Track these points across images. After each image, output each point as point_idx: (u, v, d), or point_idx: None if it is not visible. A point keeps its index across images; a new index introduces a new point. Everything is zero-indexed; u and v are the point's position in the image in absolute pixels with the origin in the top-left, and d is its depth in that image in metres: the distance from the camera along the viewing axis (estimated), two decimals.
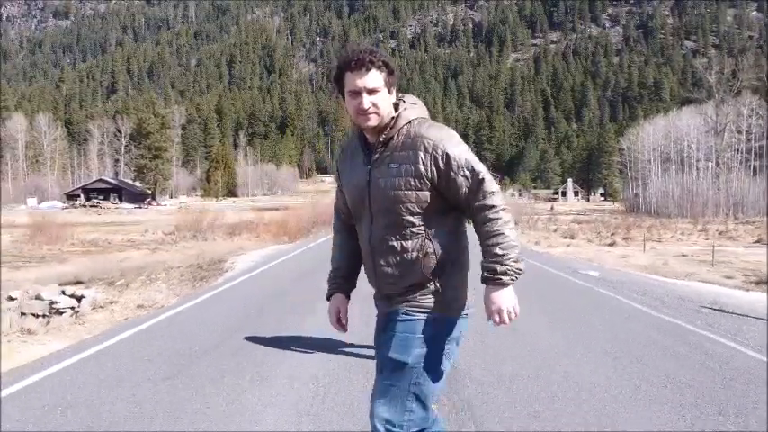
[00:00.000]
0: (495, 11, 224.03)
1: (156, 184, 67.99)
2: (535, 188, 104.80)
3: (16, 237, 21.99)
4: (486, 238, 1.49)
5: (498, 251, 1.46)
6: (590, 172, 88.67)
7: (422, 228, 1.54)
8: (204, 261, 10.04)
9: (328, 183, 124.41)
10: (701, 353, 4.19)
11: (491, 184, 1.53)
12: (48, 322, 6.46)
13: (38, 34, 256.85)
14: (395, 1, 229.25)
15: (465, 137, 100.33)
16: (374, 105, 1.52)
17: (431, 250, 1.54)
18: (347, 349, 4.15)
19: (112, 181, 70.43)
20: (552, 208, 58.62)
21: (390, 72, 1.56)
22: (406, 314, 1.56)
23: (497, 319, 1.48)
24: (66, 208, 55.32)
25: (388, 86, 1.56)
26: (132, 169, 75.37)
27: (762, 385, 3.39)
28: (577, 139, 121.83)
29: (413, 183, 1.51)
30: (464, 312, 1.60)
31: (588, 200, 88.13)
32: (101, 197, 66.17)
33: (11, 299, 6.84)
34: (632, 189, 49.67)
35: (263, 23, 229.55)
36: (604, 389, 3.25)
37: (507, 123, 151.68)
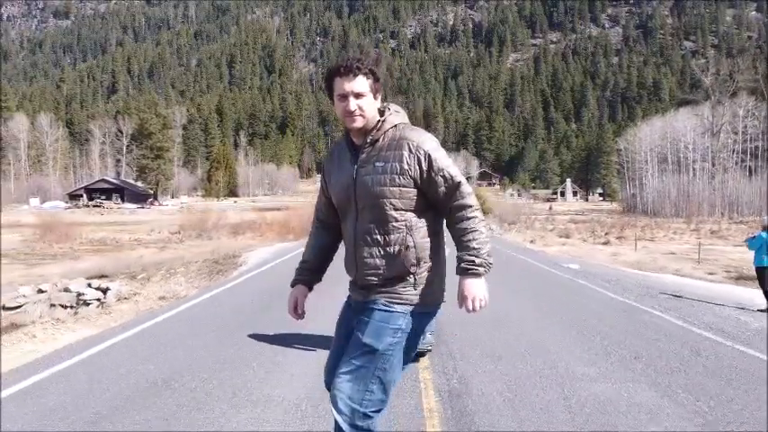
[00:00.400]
0: (495, 11, 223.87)
1: (157, 185, 68.50)
2: (534, 188, 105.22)
3: (26, 236, 22.53)
4: (462, 234, 1.66)
5: (475, 245, 1.63)
6: (589, 172, 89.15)
7: (404, 223, 1.68)
8: (219, 256, 10.60)
9: None
10: (641, 324, 5.53)
11: (467, 186, 1.72)
12: (75, 312, 7.01)
13: (38, 34, 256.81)
14: (395, 1, 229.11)
15: (465, 137, 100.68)
16: (360, 108, 1.69)
17: (411, 244, 1.67)
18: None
19: (114, 181, 70.87)
20: (551, 208, 59.10)
21: (376, 79, 1.74)
22: (385, 305, 1.68)
23: (470, 306, 1.63)
24: (70, 208, 55.77)
25: (374, 92, 1.73)
26: (134, 169, 75.83)
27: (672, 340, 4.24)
28: (576, 140, 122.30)
29: (397, 180, 1.66)
30: (436, 308, 1.74)
31: (587, 200, 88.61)
32: (103, 197, 66.61)
33: (40, 291, 7.38)
34: (629, 189, 50.20)
35: (263, 23, 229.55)
36: (568, 350, 4.45)
37: (507, 123, 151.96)
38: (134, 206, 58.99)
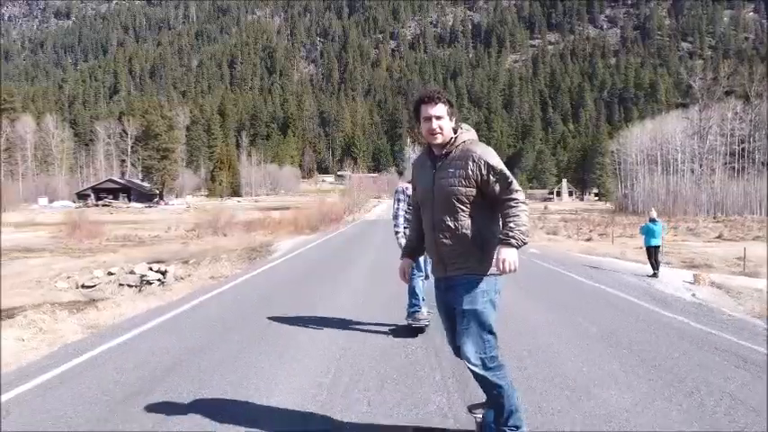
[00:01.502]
0: (494, 12, 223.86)
1: (163, 184, 70.22)
2: (531, 188, 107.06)
3: (52, 233, 24.22)
4: (507, 218, 2.14)
5: (513, 225, 2.09)
6: (584, 172, 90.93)
7: (467, 213, 2.19)
8: (253, 245, 12.40)
9: (329, 183, 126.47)
10: (562, 282, 8.41)
11: (516, 185, 2.20)
12: (140, 290, 8.77)
13: (39, 34, 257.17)
14: (394, 1, 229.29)
15: None
16: (440, 128, 2.21)
17: (473, 229, 2.18)
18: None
19: (121, 181, 72.52)
20: (546, 207, 60.92)
21: (451, 105, 2.23)
22: (465, 278, 2.21)
23: (501, 267, 2.06)
24: (79, 207, 57.30)
25: (450, 116, 2.22)
26: (140, 169, 77.51)
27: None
28: (573, 140, 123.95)
29: (463, 182, 2.17)
30: (502, 261, 2.14)
31: (582, 199, 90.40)
32: (110, 196, 68.22)
33: (110, 273, 9.15)
34: (621, 189, 52.04)
35: (263, 24, 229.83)
36: (512, 297, 6.40)
37: (505, 124, 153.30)
38: (142, 205, 60.67)
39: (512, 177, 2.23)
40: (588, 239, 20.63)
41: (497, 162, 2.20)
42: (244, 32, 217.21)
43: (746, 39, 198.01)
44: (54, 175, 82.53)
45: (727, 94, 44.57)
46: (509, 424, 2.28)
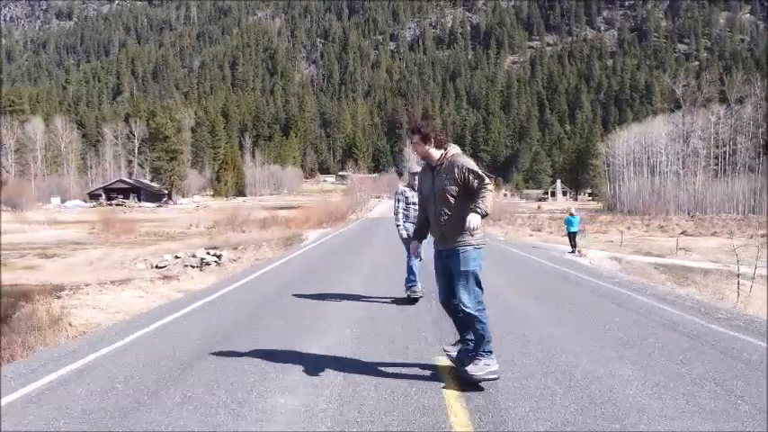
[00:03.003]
0: (492, 14, 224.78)
1: (172, 185, 72.81)
2: (527, 188, 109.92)
3: (85, 229, 26.83)
4: (477, 197, 3.10)
5: (480, 202, 3.08)
6: (578, 173, 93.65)
7: (458, 205, 3.17)
8: (288, 235, 15.22)
9: (331, 183, 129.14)
10: (511, 258, 12.17)
11: (487, 180, 3.17)
12: (202, 269, 11.47)
13: (41, 35, 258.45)
14: (393, 1, 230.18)
15: (462, 138, 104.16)
16: (424, 152, 3.35)
17: (462, 215, 3.11)
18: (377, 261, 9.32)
19: (131, 181, 75.10)
20: (539, 207, 63.65)
21: (432, 136, 3.29)
22: (461, 249, 3.19)
23: (467, 224, 3.03)
24: (94, 206, 59.87)
25: (425, 141, 3.31)
26: (149, 170, 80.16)
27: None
28: (569, 141, 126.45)
29: (452, 183, 3.18)
30: (482, 244, 3.22)
31: (576, 199, 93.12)
32: (120, 196, 70.72)
33: (176, 257, 11.86)
34: (610, 190, 54.81)
35: (264, 25, 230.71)
36: (502, 286, 8.62)
37: (503, 125, 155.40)
38: (153, 205, 63.25)
39: (484, 175, 3.24)
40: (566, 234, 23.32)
41: (474, 166, 3.26)
42: (245, 34, 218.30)
43: (742, 40, 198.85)
44: (63, 175, 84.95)
45: (709, 100, 47.30)
46: (486, 349, 3.28)
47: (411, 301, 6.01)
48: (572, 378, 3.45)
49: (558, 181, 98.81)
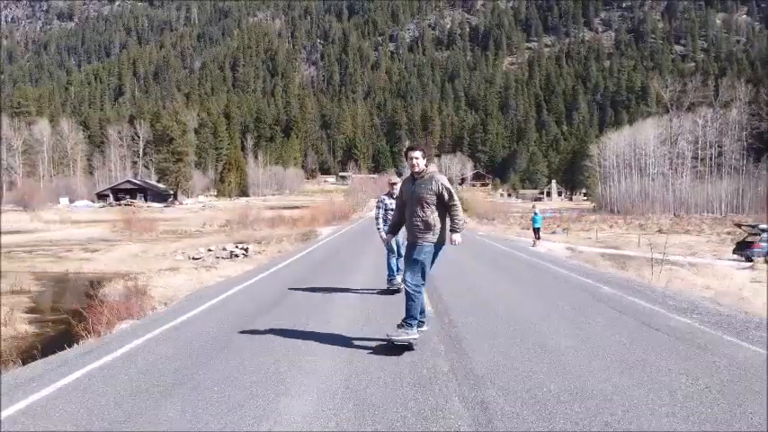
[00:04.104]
0: (491, 15, 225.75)
1: (177, 185, 74.84)
2: (524, 188, 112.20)
3: (107, 228, 28.90)
4: (453, 217, 4.18)
5: (457, 221, 4.18)
6: (574, 174, 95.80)
7: (430, 210, 4.10)
8: (303, 231, 17.38)
9: (331, 183, 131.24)
10: (483, 246, 14.86)
11: (456, 197, 4.17)
12: (233, 260, 13.57)
13: (42, 36, 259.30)
14: (392, 1, 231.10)
15: (460, 139, 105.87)
16: (418, 165, 4.23)
17: (432, 219, 4.10)
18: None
19: (138, 182, 77.12)
20: (534, 207, 65.61)
21: (425, 153, 4.25)
22: (420, 243, 4.14)
23: (453, 241, 4.18)
24: (104, 207, 61.86)
25: (424, 158, 4.24)
26: (153, 170, 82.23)
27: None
28: (565, 142, 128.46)
29: (429, 193, 4.11)
30: (442, 244, 4.20)
31: (571, 199, 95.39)
32: (128, 197, 72.71)
33: (209, 250, 13.99)
34: (601, 190, 57.00)
35: (264, 27, 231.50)
36: (455, 253, 11.15)
37: (501, 126, 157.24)
38: (161, 205, 65.24)
39: (455, 194, 4.23)
40: (553, 233, 25.44)
41: (448, 184, 4.28)
42: (245, 35, 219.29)
43: (738, 42, 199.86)
44: (70, 176, 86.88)
45: (695, 105, 49.47)
46: (410, 322, 4.19)
47: (392, 292, 7.06)
48: (492, 299, 6.02)
49: (554, 181, 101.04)
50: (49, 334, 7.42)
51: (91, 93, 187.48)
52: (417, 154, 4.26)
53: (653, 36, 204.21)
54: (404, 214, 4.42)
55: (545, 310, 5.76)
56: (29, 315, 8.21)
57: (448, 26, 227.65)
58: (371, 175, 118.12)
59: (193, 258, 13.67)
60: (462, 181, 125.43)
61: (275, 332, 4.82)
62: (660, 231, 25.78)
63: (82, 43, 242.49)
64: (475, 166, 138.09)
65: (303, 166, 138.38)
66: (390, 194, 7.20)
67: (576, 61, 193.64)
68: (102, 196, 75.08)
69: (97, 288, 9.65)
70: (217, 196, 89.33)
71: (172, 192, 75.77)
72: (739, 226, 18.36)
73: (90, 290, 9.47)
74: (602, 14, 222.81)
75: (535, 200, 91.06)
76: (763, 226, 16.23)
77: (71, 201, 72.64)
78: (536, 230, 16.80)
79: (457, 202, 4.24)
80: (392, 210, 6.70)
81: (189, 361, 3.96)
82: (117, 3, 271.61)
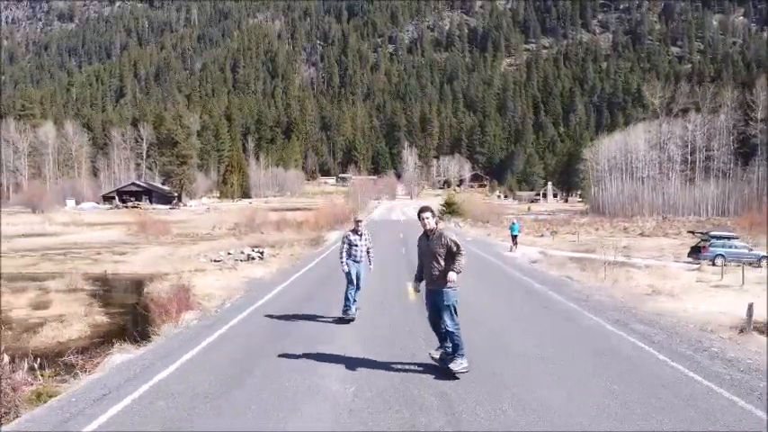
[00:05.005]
0: (490, 16, 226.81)
1: (182, 188, 76.50)
2: (520, 190, 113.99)
3: (122, 230, 30.58)
4: (455, 261, 4.95)
5: (456, 264, 4.96)
6: (569, 176, 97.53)
7: (442, 260, 5.03)
8: (311, 236, 19.17)
9: (332, 185, 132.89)
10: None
11: (462, 249, 5.06)
12: (250, 262, 15.33)
13: (43, 37, 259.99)
14: (391, 1, 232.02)
15: (459, 141, 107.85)
16: (429, 224, 5.18)
17: (445, 268, 5.00)
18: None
19: (143, 184, 78.74)
20: (529, 209, 67.65)
21: (434, 214, 5.34)
22: (444, 290, 5.01)
23: (449, 280, 4.95)
24: (111, 209, 63.42)
25: (434, 218, 5.27)
26: (157, 173, 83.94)
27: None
28: (561, 144, 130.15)
29: (440, 247, 5.04)
30: (457, 287, 5.01)
31: (566, 201, 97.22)
32: (133, 199, 74.24)
33: (228, 253, 15.78)
34: (594, 193, 58.85)
35: (264, 28, 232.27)
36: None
37: (498, 128, 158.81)
38: (166, 207, 66.84)
39: (462, 246, 5.06)
40: (541, 235, 27.23)
41: (456, 238, 5.10)
42: (245, 36, 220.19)
43: (734, 43, 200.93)
44: (75, 178, 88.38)
45: (682, 111, 51.31)
46: (460, 353, 5.05)
47: (346, 321, 7.34)
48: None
49: (550, 183, 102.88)
50: (118, 323, 9.14)
51: (92, 94, 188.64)
52: (428, 215, 5.15)
53: (650, 38, 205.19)
54: (423, 264, 5.35)
55: (489, 295, 8.89)
56: (93, 309, 9.91)
57: (447, 28, 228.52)
58: (371, 177, 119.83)
59: (214, 261, 15.39)
60: (460, 182, 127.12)
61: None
62: (642, 234, 27.56)
63: (82, 44, 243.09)
64: (473, 167, 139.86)
65: (303, 168, 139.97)
66: (355, 231, 7.64)
67: (574, 63, 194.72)
68: (107, 198, 76.62)
69: (142, 287, 11.38)
70: (219, 198, 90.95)
71: (176, 194, 77.40)
72: (693, 233, 20.32)
73: (136, 288, 11.23)
74: (600, 16, 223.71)
75: (531, 201, 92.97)
76: (713, 233, 18.20)
77: (77, 202, 74.02)
78: (513, 237, 18.51)
79: (463, 252, 5.08)
80: (356, 245, 7.57)
81: (276, 330, 6.61)
82: (117, 4, 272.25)
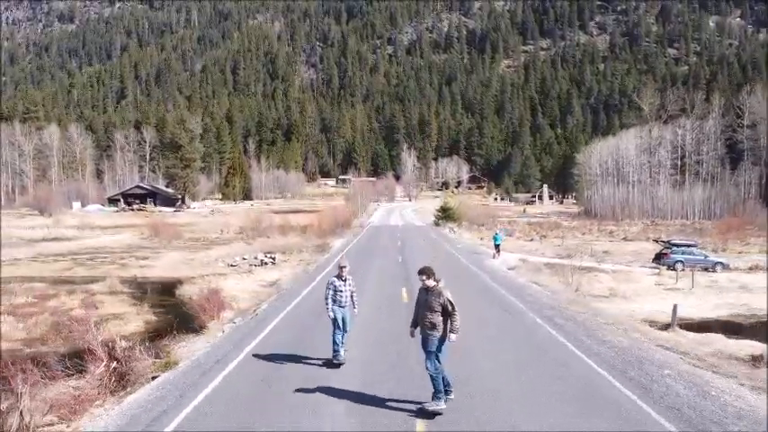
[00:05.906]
0: (488, 18, 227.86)
1: (186, 190, 78.15)
2: (517, 192, 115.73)
3: (135, 233, 32.26)
4: (453, 322, 5.94)
5: (455, 325, 5.95)
6: (565, 178, 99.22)
7: (436, 314, 5.96)
8: (318, 243, 20.98)
9: (332, 186, 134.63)
10: (451, 257, 19.02)
11: (456, 309, 5.99)
12: (264, 267, 17.08)
13: (43, 38, 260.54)
14: (390, 2, 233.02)
15: (457, 143, 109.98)
16: (428, 283, 6.10)
17: (437, 321, 6.00)
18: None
19: (148, 186, 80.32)
20: (524, 210, 69.43)
21: (432, 274, 6.16)
22: (430, 338, 6.01)
23: (450, 340, 6.04)
24: (117, 211, 64.97)
25: (431, 277, 6.15)
26: (161, 175, 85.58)
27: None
28: (558, 147, 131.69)
29: (437, 303, 5.98)
30: (445, 338, 5.95)
31: (562, 203, 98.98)
32: (137, 201, 75.81)
33: (243, 258, 17.55)
34: (586, 196, 60.66)
35: (264, 29, 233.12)
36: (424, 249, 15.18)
37: (496, 130, 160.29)
38: (171, 209, 68.48)
39: (455, 306, 5.92)
40: (531, 240, 28.99)
41: (451, 298, 5.89)
42: (245, 37, 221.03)
43: (731, 45, 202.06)
44: (79, 180, 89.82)
45: (672, 117, 53.13)
46: (438, 396, 5.87)
47: (336, 365, 7.54)
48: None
49: (545, 186, 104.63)
50: (166, 321, 10.81)
51: (93, 95, 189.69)
52: (425, 277, 6.07)
53: (647, 40, 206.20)
54: (418, 313, 6.19)
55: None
56: (141, 309, 11.63)
57: (445, 29, 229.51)
58: (370, 179, 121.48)
59: (230, 265, 17.13)
60: (458, 184, 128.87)
61: None
62: (625, 239, 29.30)
63: (83, 45, 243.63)
64: (471, 169, 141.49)
65: (304, 170, 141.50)
66: (339, 276, 7.84)
67: (571, 65, 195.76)
68: (112, 200, 78.12)
69: (173, 289, 13.11)
70: (222, 200, 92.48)
71: (180, 196, 78.99)
72: (656, 241, 22.29)
73: (168, 291, 12.97)
74: (597, 18, 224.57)
75: (527, 204, 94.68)
76: (674, 241, 20.16)
77: (83, 205, 75.41)
78: (497, 246, 20.31)
79: (456, 312, 5.92)
80: (340, 291, 7.78)
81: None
82: (117, 5, 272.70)
